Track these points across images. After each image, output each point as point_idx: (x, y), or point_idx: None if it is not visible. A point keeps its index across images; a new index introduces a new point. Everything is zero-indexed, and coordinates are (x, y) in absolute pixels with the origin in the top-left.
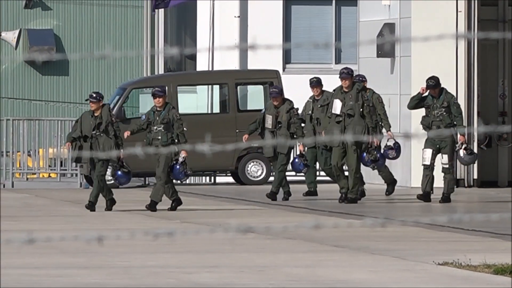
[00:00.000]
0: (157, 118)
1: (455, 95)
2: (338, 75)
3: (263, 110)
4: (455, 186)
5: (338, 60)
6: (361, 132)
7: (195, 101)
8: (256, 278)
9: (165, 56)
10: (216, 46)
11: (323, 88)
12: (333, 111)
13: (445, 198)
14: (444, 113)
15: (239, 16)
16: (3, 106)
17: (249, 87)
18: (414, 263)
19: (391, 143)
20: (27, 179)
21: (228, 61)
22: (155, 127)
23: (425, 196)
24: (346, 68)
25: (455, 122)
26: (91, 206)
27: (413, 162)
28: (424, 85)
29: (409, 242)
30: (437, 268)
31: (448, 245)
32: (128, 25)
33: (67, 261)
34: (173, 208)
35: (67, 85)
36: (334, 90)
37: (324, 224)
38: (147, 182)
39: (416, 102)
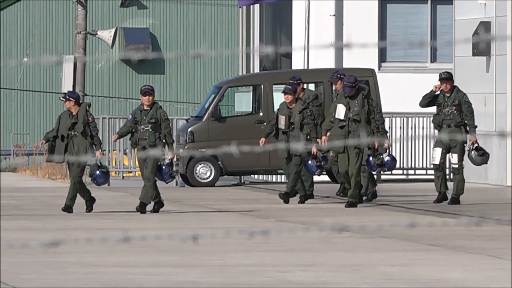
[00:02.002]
0: (145, 118)
1: None
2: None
3: (276, 111)
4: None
5: (433, 59)
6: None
7: None
8: (351, 277)
9: (261, 55)
10: (311, 45)
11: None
12: (336, 116)
13: (454, 200)
14: (455, 112)
15: (334, 15)
16: (99, 105)
17: None
18: (510, 262)
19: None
20: (123, 177)
21: (324, 60)
22: (142, 127)
23: (442, 198)
24: (350, 76)
25: (465, 121)
26: (68, 209)
27: (509, 160)
28: (440, 83)
29: (504, 241)
30: None
31: None
32: (223, 23)
33: (162, 259)
34: (155, 210)
35: (162, 83)
36: (337, 95)
37: (419, 223)
38: (242, 181)
39: (429, 100)
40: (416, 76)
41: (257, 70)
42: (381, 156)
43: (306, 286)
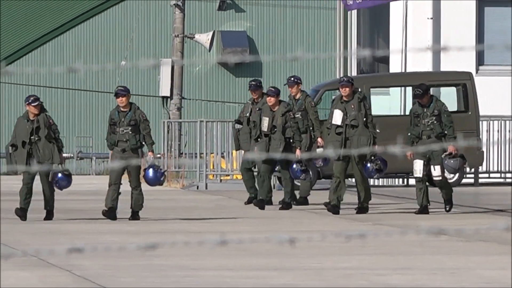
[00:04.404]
0: (123, 120)
1: None
2: (338, 83)
3: (260, 113)
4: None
5: None
6: (366, 143)
7: (388, 102)
8: (448, 281)
9: (358, 58)
10: (409, 48)
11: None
12: (333, 122)
13: (450, 205)
14: (435, 122)
15: (432, 18)
16: (197, 108)
17: (442, 89)
18: None
19: (320, 151)
20: (221, 180)
21: (421, 63)
22: (121, 129)
23: (423, 210)
24: (346, 76)
25: (445, 132)
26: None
27: None
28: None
29: None
30: None
31: None
32: (320, 26)
33: (259, 262)
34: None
35: None
36: (333, 101)
37: None
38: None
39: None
40: None
41: (354, 73)
42: (379, 162)
43: None
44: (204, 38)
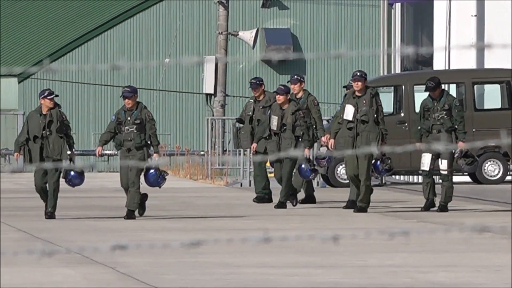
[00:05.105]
0: (129, 118)
1: None
2: (351, 77)
3: (269, 112)
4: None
5: None
6: (374, 139)
7: None
8: (493, 278)
9: (402, 55)
10: (452, 45)
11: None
12: (344, 117)
13: (443, 207)
14: (445, 116)
15: (475, 15)
16: (240, 105)
17: (486, 86)
18: None
19: (324, 150)
20: None
21: (465, 60)
22: (126, 128)
23: (430, 205)
24: (360, 70)
25: (456, 126)
26: (51, 215)
27: None
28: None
29: None
30: None
31: None
32: (364, 24)
33: (302, 260)
34: (140, 214)
35: None
36: (345, 96)
37: None
38: (383, 182)
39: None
40: None
41: (398, 70)
42: (389, 161)
43: (448, 287)
44: (247, 35)
